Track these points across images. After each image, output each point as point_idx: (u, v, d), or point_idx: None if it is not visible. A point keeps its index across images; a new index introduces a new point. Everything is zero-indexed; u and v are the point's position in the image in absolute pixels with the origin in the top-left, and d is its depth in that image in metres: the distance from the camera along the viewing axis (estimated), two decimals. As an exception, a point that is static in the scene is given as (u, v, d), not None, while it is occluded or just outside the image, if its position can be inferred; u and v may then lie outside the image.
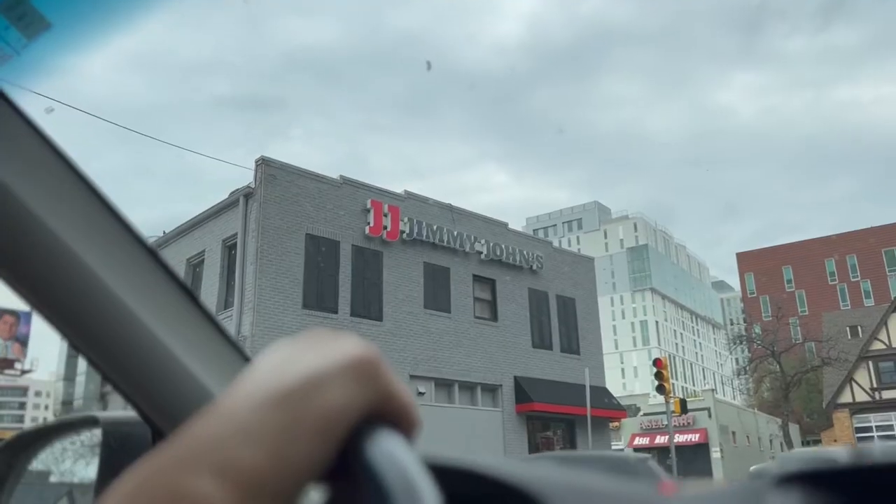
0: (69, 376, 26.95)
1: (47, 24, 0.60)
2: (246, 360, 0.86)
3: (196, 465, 0.33)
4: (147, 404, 0.80)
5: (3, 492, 0.94)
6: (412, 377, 19.70)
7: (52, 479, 0.96)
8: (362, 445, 0.36)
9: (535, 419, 22.46)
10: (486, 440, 20.06)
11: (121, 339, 0.75)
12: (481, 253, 22.42)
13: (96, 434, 0.88)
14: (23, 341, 29.27)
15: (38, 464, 0.95)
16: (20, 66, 0.63)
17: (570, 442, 23.02)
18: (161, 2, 0.62)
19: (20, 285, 0.69)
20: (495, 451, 19.71)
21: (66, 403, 26.57)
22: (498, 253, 22.75)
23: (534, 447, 21.96)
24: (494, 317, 22.68)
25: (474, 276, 22.38)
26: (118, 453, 0.87)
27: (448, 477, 0.42)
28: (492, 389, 21.93)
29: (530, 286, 23.79)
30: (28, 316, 29.17)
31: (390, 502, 0.34)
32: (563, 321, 24.54)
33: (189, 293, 0.80)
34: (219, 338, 0.82)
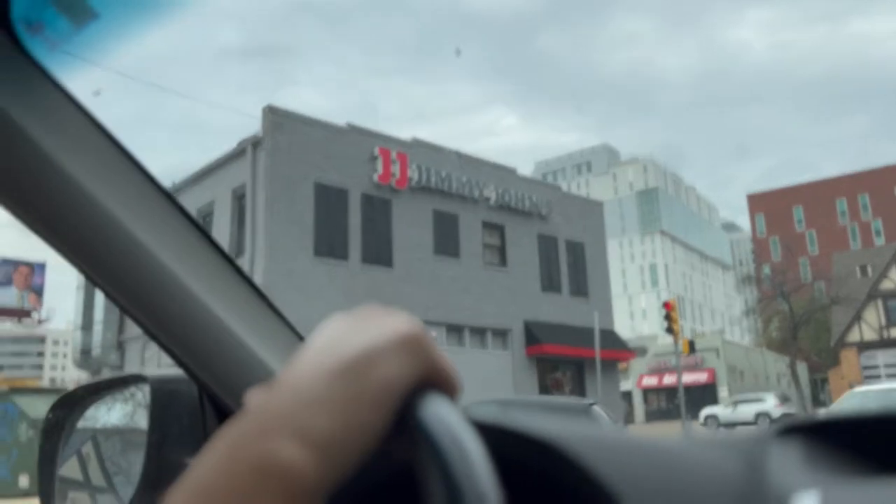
0: (86, 325, 27.33)
1: (94, 13, 0.64)
2: (284, 321, 0.91)
3: (279, 433, 0.37)
4: (197, 365, 0.86)
5: (58, 446, 1.01)
6: (423, 323, 19.94)
7: (104, 433, 1.03)
8: (415, 410, 0.41)
9: (544, 362, 22.78)
10: (496, 383, 20.40)
11: (175, 308, 0.80)
12: (490, 199, 22.40)
13: (145, 390, 0.95)
14: (38, 291, 29.65)
15: (89, 419, 1.02)
16: (68, 50, 0.67)
17: (578, 383, 23.39)
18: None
19: (80, 261, 0.74)
20: (505, 393, 20.06)
21: (85, 352, 27.02)
22: (507, 199, 22.73)
23: (543, 389, 22.33)
24: (504, 262, 22.81)
25: (483, 222, 22.42)
26: (167, 409, 0.94)
27: (483, 431, 0.47)
28: (502, 333, 22.20)
29: (539, 231, 23.84)
30: (42, 267, 29.47)
31: (443, 458, 0.38)
32: (572, 265, 24.65)
33: (236, 267, 0.85)
34: (263, 306, 0.88)
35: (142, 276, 0.78)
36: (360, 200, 19.80)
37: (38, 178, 0.71)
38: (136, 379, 0.95)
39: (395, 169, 20.40)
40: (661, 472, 0.50)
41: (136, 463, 0.93)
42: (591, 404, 12.10)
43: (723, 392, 43.26)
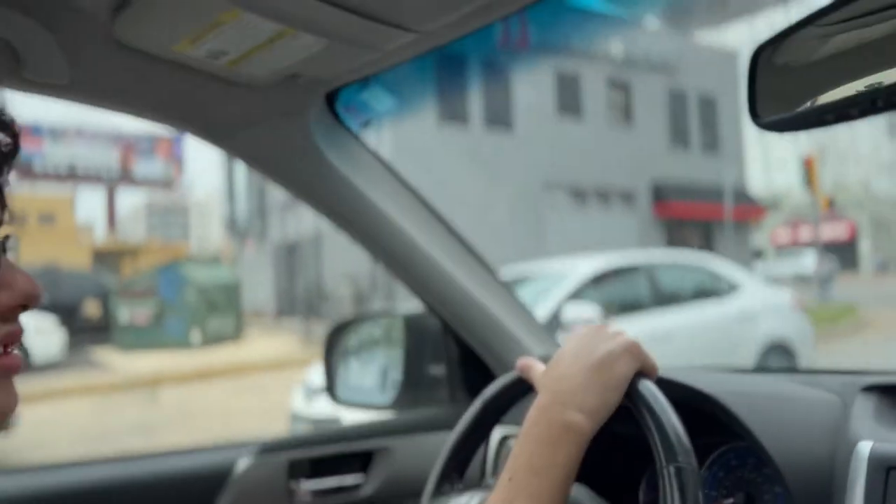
0: (229, 195, 28.83)
1: (388, 100, 0.96)
2: (492, 273, 1.24)
3: (569, 405, 0.70)
4: (440, 307, 1.21)
5: (335, 358, 1.42)
6: (546, 186, 20.07)
7: (366, 360, 1.43)
8: (637, 390, 0.72)
9: (672, 224, 22.54)
10: (621, 246, 20.52)
11: (422, 267, 1.16)
12: (615, 55, 21.57)
13: (399, 322, 1.33)
14: (179, 161, 30.96)
15: (358, 340, 1.42)
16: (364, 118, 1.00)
17: (707, 244, 23.09)
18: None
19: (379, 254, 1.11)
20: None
21: (230, 220, 28.67)
22: (633, 54, 21.80)
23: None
24: (629, 120, 22.23)
25: (608, 79, 21.73)
26: (416, 336, 1.32)
27: (667, 384, 0.79)
28: (627, 195, 22.01)
29: (668, 86, 22.86)
30: (179, 139, 30.49)
31: (657, 419, 0.70)
32: (702, 121, 23.67)
33: (464, 243, 1.18)
34: (483, 267, 1.21)
35: (405, 250, 1.14)
36: (479, 62, 19.64)
37: (337, 189, 1.07)
38: (392, 314, 1.33)
39: (516, 28, 19.93)
40: (779, 411, 0.81)
41: (394, 374, 1.33)
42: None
43: (865, 248, 41.22)
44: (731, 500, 0.87)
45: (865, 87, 0.54)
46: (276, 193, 21.53)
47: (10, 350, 0.53)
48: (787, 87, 0.61)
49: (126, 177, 28.96)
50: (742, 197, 22.93)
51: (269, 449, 1.17)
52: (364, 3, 0.68)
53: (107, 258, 30.32)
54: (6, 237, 0.54)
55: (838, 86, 0.56)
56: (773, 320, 6.74)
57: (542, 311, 5.34)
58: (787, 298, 7.28)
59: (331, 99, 0.97)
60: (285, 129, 0.97)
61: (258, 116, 0.94)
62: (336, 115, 1.00)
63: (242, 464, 1.14)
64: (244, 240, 27.52)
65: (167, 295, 16.72)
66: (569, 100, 21.01)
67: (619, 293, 6.59)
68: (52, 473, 1.14)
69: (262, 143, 0.99)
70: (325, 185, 1.03)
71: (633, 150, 21.89)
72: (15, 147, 0.55)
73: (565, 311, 5.02)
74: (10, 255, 0.54)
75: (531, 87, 20.33)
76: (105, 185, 29.45)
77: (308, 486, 1.18)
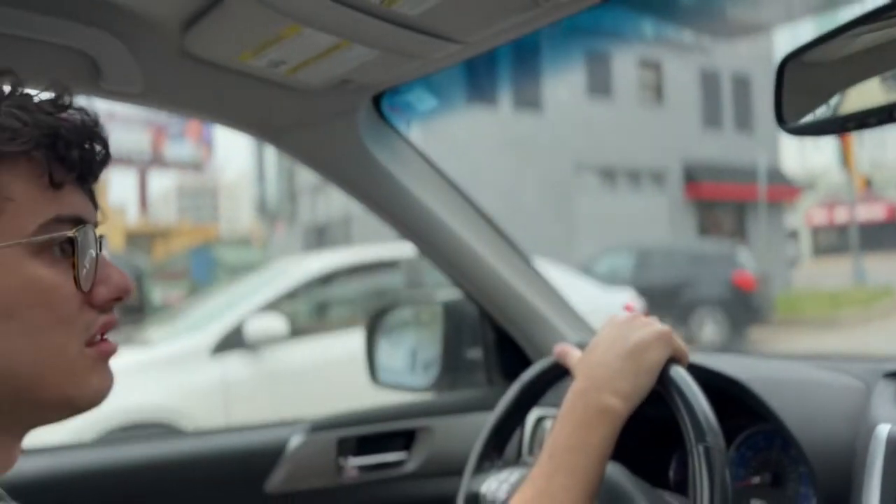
0: (259, 177, 29.03)
1: (430, 100, 1.02)
2: (529, 263, 1.30)
3: (605, 390, 0.76)
4: (476, 293, 1.27)
5: (376, 340, 1.49)
6: (576, 167, 19.97)
7: (406, 344, 1.50)
8: (669, 375, 0.78)
9: (704, 205, 22.30)
10: (650, 227, 20.38)
11: (461, 257, 1.21)
12: (646, 33, 21.29)
13: (438, 307, 1.40)
14: (209, 144, 31.14)
15: (395, 329, 1.50)
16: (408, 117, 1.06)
17: (740, 225, 22.83)
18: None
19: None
20: (661, 238, 20.05)
21: (259, 203, 28.88)
22: (663, 33, 21.50)
23: (702, 232, 22.03)
24: (661, 100, 21.98)
25: (639, 59, 21.48)
26: (455, 320, 1.38)
27: (698, 370, 0.84)
28: (658, 175, 21.81)
29: (700, 65, 22.53)
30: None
31: (688, 403, 0.75)
32: (736, 100, 23.32)
33: (503, 235, 1.24)
34: (518, 257, 1.27)
35: (445, 241, 1.20)
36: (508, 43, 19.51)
37: (382, 184, 1.13)
38: (431, 299, 1.40)
39: (545, 9, 19.73)
40: (804, 395, 0.86)
41: (433, 358, 1.40)
42: (735, 251, 12.03)
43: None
44: (758, 479, 0.92)
45: (884, 98, 0.59)
46: (306, 176, 21.70)
47: (106, 337, 0.61)
48: (811, 96, 0.65)
49: (157, 159, 29.24)
50: (776, 177, 22.58)
51: (320, 427, 1.25)
52: (414, 19, 0.74)
53: (139, 240, 30.84)
54: (101, 236, 0.61)
55: (859, 96, 0.61)
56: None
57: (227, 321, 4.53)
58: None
59: (377, 100, 1.03)
60: (335, 130, 1.03)
61: (310, 118, 1.01)
62: (382, 116, 1.06)
63: (295, 441, 1.22)
64: (274, 222, 27.74)
65: (199, 276, 17.01)
66: (599, 80, 20.82)
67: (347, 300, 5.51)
68: (113, 450, 1.23)
69: (313, 143, 1.06)
70: (371, 181, 1.10)
71: (665, 131, 21.65)
72: (107, 155, 0.62)
73: (250, 324, 4.39)
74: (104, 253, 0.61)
75: (561, 67, 20.17)
76: (137, 168, 29.80)
77: (355, 462, 1.25)
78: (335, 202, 19.75)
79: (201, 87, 0.91)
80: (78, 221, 0.57)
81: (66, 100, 0.57)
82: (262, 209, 28.96)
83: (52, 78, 0.58)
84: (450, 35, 0.78)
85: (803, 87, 0.66)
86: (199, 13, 0.76)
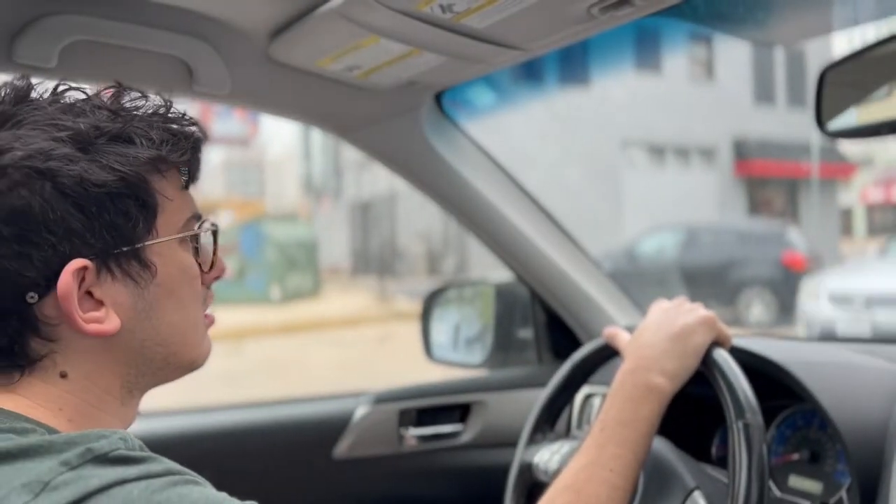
0: (306, 154, 29.36)
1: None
2: (582, 250, 1.36)
3: (653, 370, 0.83)
4: (528, 276, 1.35)
5: (431, 320, 1.58)
6: (623, 143, 19.73)
7: (459, 323, 1.59)
8: (712, 357, 0.84)
9: (754, 183, 21.85)
10: (700, 206, 20.07)
11: (514, 243, 1.29)
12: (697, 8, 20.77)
13: (490, 289, 1.48)
14: (255, 120, 31.45)
15: (449, 308, 1.58)
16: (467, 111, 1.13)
17: (791, 203, 22.32)
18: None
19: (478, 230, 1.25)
20: (710, 216, 19.74)
21: (305, 179, 29.18)
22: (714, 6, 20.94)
23: (753, 210, 21.62)
24: (711, 75, 21.51)
25: (690, 32, 21.00)
26: (506, 302, 1.46)
27: (740, 352, 0.91)
28: (707, 152, 21.42)
29: (752, 37, 21.91)
30: None
31: (730, 383, 0.82)
32: (789, 75, 22.68)
33: (553, 221, 1.31)
34: (572, 245, 1.33)
35: (500, 227, 1.28)
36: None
37: (443, 176, 1.21)
38: (484, 282, 1.49)
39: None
40: (840, 378, 0.91)
41: (485, 336, 1.48)
42: (785, 230, 11.81)
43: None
44: (797, 456, 0.98)
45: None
46: (351, 153, 21.88)
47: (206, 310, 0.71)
48: (848, 103, 0.71)
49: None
50: (830, 154, 21.97)
51: (383, 399, 1.35)
52: (481, 31, 0.81)
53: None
54: (216, 226, 0.70)
55: (891, 105, 0.67)
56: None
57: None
58: None
59: (439, 97, 1.11)
60: (401, 126, 1.12)
61: (378, 116, 1.10)
62: (444, 112, 1.14)
63: (360, 411, 1.32)
64: (320, 198, 28.06)
65: (249, 252, 17.30)
66: (648, 55, 20.45)
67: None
68: (200, 416, 1.34)
69: (381, 138, 1.15)
70: (433, 173, 1.18)
71: (715, 107, 21.20)
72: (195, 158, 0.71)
73: None
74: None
75: (609, 43, 19.85)
76: (185, 144, 29.96)
77: (414, 432, 1.35)
78: (380, 179, 19.90)
79: (282, 89, 1.00)
80: (199, 216, 0.68)
81: (182, 110, 0.67)
82: (308, 185, 29.26)
83: (157, 86, 0.67)
84: (512, 44, 0.85)
85: (840, 96, 0.71)
86: (285, 24, 0.85)
